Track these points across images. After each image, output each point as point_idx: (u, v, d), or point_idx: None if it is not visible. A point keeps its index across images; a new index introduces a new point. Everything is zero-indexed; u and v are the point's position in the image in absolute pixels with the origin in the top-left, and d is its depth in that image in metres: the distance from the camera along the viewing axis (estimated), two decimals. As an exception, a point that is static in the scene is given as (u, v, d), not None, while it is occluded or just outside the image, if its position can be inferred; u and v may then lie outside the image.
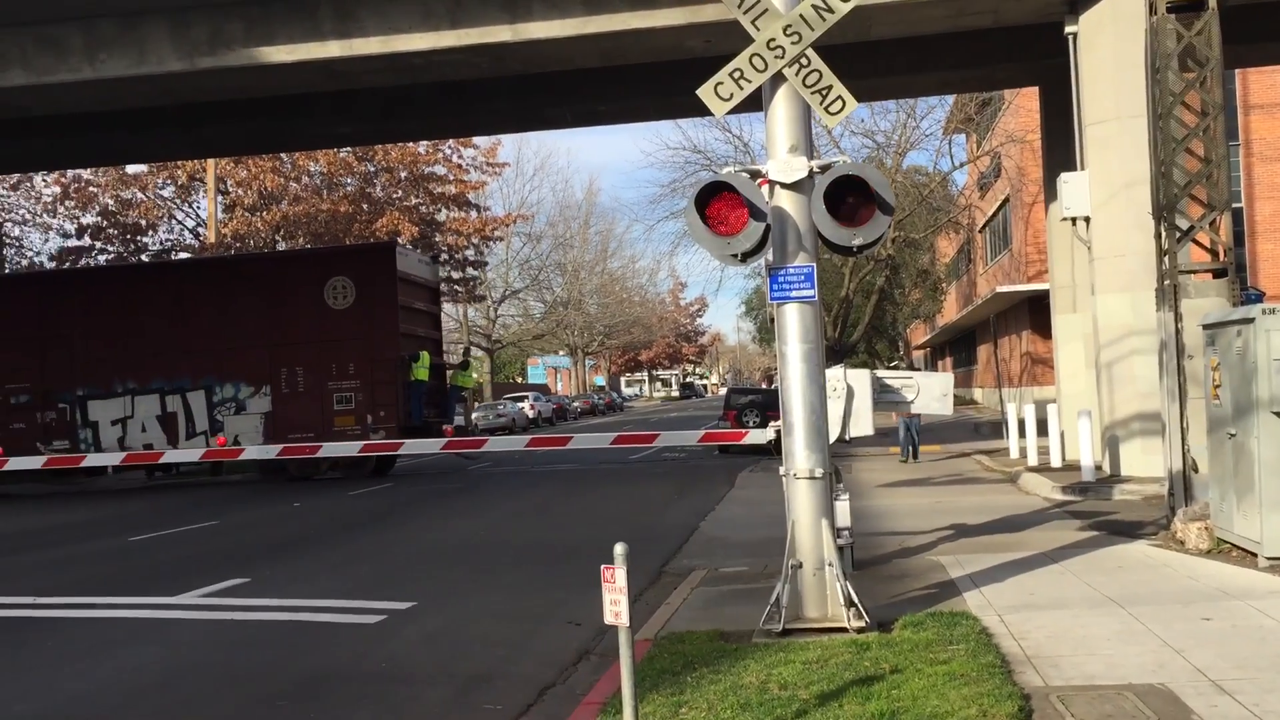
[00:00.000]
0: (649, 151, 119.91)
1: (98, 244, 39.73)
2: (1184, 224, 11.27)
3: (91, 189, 38.85)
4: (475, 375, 31.63)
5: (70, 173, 37.76)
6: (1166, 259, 11.11)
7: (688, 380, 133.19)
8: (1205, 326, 10.14)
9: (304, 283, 25.35)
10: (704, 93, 7.65)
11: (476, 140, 43.25)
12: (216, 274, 27.79)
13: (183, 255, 40.09)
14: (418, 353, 25.51)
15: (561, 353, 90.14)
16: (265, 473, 26.38)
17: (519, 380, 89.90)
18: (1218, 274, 11.32)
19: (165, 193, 40.38)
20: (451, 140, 41.23)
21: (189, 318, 25.69)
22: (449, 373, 28.65)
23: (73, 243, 39.90)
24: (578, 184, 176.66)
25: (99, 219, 39.35)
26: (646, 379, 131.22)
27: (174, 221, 41.52)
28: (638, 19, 18.02)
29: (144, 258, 39.67)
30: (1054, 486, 16.10)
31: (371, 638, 8.77)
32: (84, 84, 19.56)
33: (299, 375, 25.15)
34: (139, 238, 40.24)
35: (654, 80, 21.71)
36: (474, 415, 48.72)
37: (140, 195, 39.40)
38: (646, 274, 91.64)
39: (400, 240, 39.64)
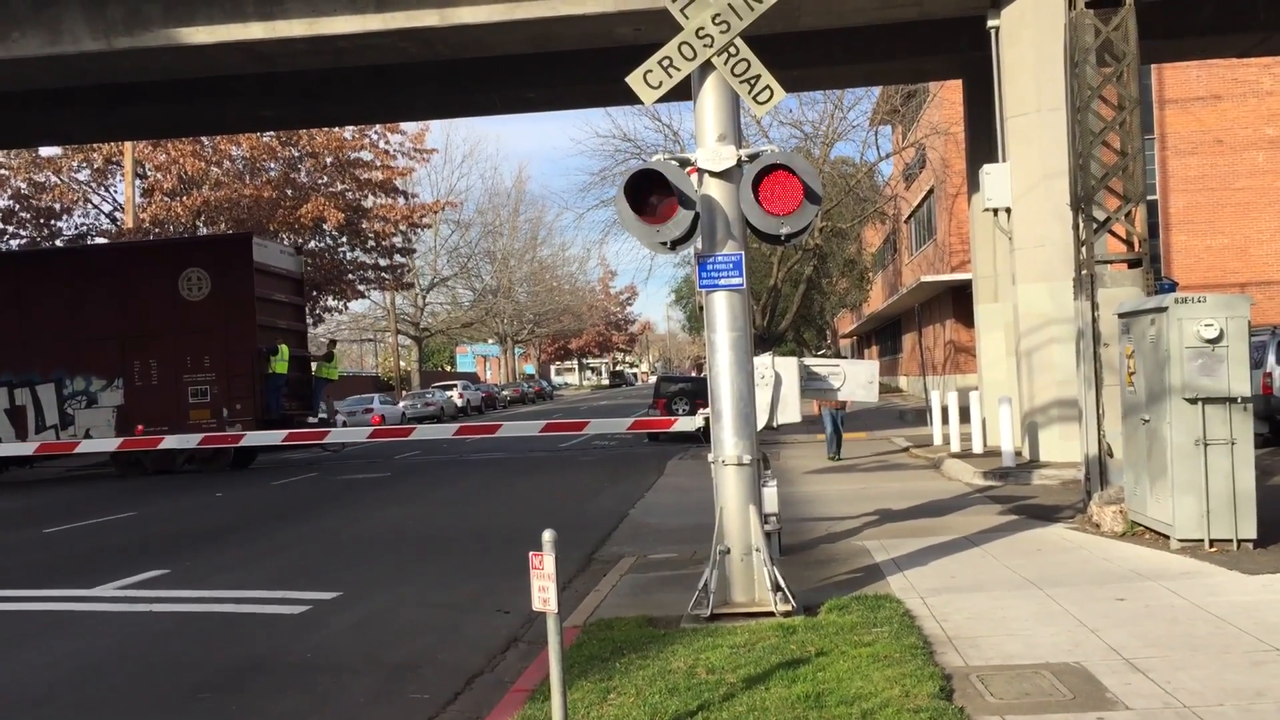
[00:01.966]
0: (579, 139, 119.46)
1: (10, 228, 38.53)
2: (1101, 215, 11.55)
3: (3, 171, 37.65)
4: (339, 367, 31.46)
5: (-20, 154, 36.60)
6: (1084, 249, 11.37)
7: (617, 369, 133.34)
8: (1120, 315, 10.38)
9: (158, 274, 24.93)
10: (633, 80, 7.65)
11: (404, 126, 42.66)
12: (67, 265, 27.13)
13: (99, 240, 39.01)
14: (276, 345, 25.20)
15: (490, 341, 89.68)
16: (121, 466, 25.55)
17: (447, 369, 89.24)
18: (1133, 264, 11.62)
19: (81, 176, 39.27)
20: (378, 126, 40.63)
21: (38, 309, 25.09)
22: (314, 365, 28.29)
23: (-17, 227, 38.64)
24: (507, 171, 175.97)
25: (11, 202, 38.17)
26: (576, 367, 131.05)
27: (89, 206, 40.40)
28: (567, 5, 17.93)
29: (58, 242, 38.56)
30: (975, 472, 16.42)
31: (297, 628, 8.66)
32: (-5, 63, 18.96)
33: (153, 368, 24.76)
34: (53, 222, 39.09)
35: (584, 67, 21.64)
36: (401, 404, 48.33)
37: (54, 179, 38.28)
38: (576, 262, 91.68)
39: (326, 226, 39.08)
